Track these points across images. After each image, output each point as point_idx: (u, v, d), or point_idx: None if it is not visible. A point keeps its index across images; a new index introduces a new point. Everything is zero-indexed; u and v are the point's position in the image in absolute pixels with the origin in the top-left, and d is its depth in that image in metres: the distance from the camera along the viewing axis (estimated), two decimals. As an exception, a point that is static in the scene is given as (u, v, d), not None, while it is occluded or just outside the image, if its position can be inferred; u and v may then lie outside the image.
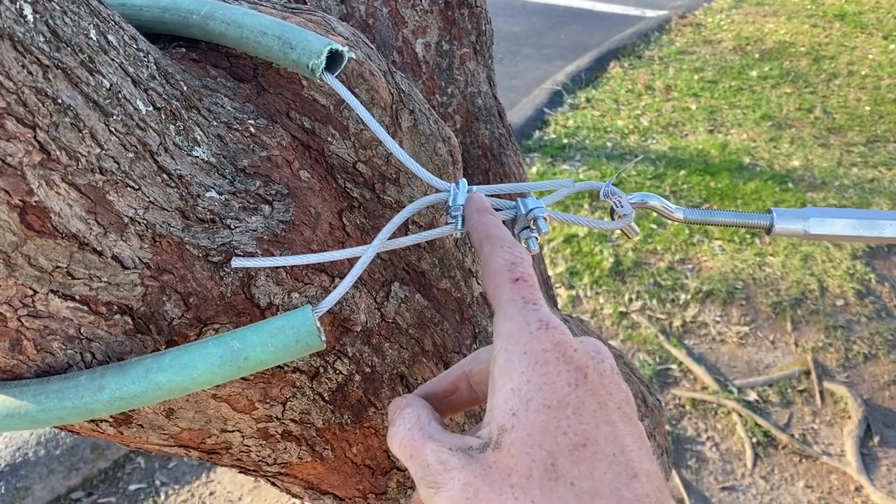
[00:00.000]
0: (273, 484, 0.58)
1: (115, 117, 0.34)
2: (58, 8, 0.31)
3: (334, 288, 0.43)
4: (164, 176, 0.37)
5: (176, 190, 0.37)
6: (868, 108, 3.71)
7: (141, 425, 0.43)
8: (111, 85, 0.34)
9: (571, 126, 3.59)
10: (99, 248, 0.35)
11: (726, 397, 2.09)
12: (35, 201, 0.31)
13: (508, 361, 0.31)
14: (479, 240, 0.38)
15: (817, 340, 2.30)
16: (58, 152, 0.31)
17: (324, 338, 0.38)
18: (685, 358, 2.23)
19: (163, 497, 1.85)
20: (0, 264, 0.32)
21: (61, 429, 0.43)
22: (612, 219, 0.47)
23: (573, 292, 2.49)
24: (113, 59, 0.35)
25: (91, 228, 0.34)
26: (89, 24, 0.34)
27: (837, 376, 2.18)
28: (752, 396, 2.11)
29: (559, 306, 1.71)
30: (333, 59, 0.41)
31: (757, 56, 4.35)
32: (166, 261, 0.38)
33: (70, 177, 0.32)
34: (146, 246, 0.37)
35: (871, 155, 3.31)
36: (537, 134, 3.53)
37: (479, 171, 0.88)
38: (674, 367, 2.22)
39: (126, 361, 0.37)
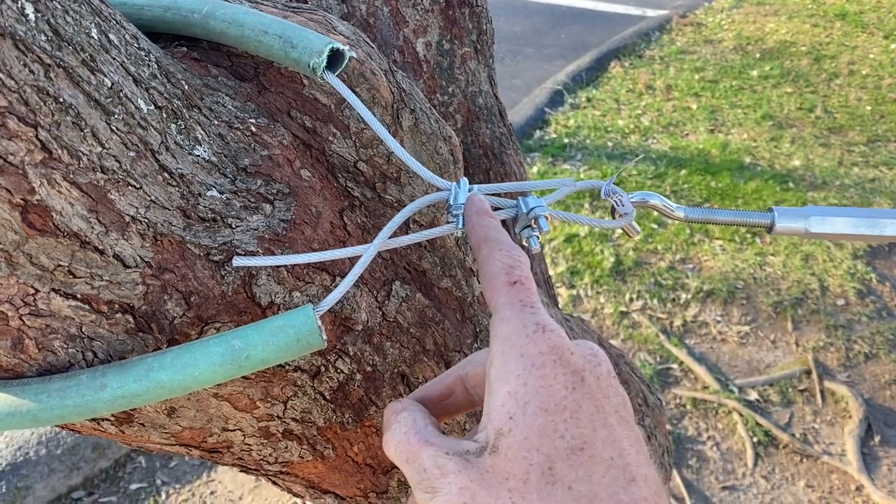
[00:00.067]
0: (274, 483, 0.58)
1: (116, 116, 0.34)
2: (59, 7, 0.31)
3: (335, 287, 0.43)
4: (166, 175, 0.37)
5: (177, 189, 0.38)
6: (869, 108, 3.70)
7: (142, 424, 0.43)
8: (112, 84, 0.34)
9: (572, 126, 3.59)
10: (100, 247, 0.35)
11: (727, 397, 2.09)
12: (37, 200, 0.31)
13: (505, 364, 0.31)
14: (478, 242, 0.37)
15: (818, 340, 2.30)
16: (59, 151, 0.31)
17: (325, 336, 0.38)
18: (686, 357, 2.23)
19: (164, 496, 1.85)
20: (2, 263, 0.32)
21: (63, 427, 0.43)
22: (614, 218, 0.47)
23: (574, 292, 2.49)
24: (114, 58, 0.35)
25: (92, 227, 0.34)
26: (91, 23, 0.34)
27: (838, 376, 2.18)
28: (753, 396, 2.11)
29: (560, 306, 1.70)
30: (334, 58, 0.41)
31: (758, 56, 4.35)
32: (168, 260, 0.38)
33: (71, 176, 0.32)
34: (147, 245, 0.37)
35: (871, 154, 3.31)
36: (538, 133, 3.53)
37: (480, 171, 0.89)
38: (674, 366, 2.22)
39: (127, 360, 0.37)
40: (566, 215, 0.45)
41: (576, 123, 3.61)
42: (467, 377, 0.38)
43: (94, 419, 0.42)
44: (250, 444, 0.49)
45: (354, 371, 0.49)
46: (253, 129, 0.43)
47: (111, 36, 0.35)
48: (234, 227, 0.40)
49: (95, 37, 0.34)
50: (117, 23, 0.37)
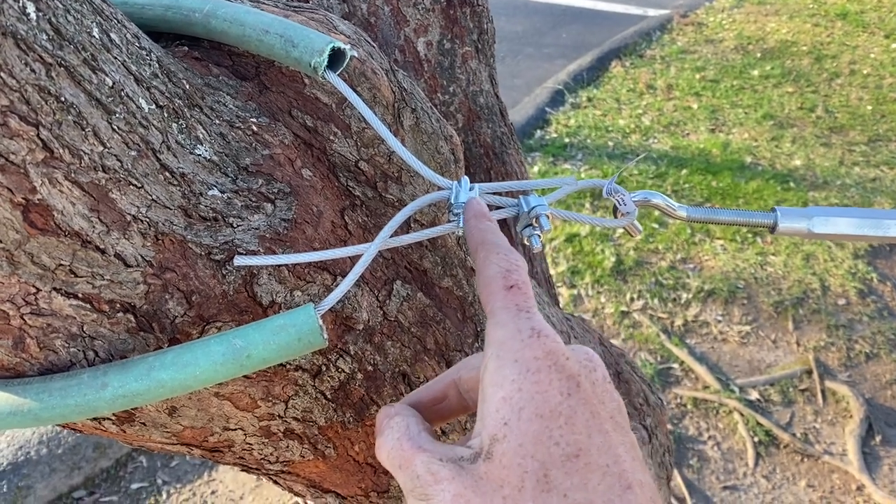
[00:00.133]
0: (275, 482, 0.58)
1: (117, 115, 0.34)
2: (60, 6, 0.31)
3: (336, 286, 0.43)
4: (167, 174, 0.37)
5: (178, 188, 0.38)
6: (870, 108, 3.70)
7: (143, 423, 0.43)
8: (114, 83, 0.34)
9: (573, 125, 3.59)
10: (101, 246, 0.35)
11: (728, 396, 2.09)
12: (38, 199, 0.31)
13: (499, 369, 0.31)
14: (475, 245, 0.37)
15: (819, 340, 2.29)
16: (61, 150, 0.31)
17: (326, 336, 0.38)
18: (687, 357, 2.22)
19: (164, 496, 1.85)
20: (3, 262, 0.32)
21: (64, 427, 0.43)
22: (615, 217, 0.47)
23: (575, 291, 2.49)
24: (115, 58, 0.35)
25: (94, 226, 0.34)
26: (92, 23, 0.34)
27: (839, 375, 2.18)
28: (754, 396, 2.11)
29: (561, 305, 1.70)
30: (335, 58, 0.41)
31: (759, 55, 4.35)
32: (169, 259, 0.38)
33: (73, 175, 0.32)
34: (149, 244, 0.37)
35: (872, 154, 3.31)
36: (539, 133, 3.53)
37: (480, 170, 0.88)
38: (675, 366, 2.22)
39: (129, 359, 0.37)
40: (567, 214, 0.45)
41: (577, 123, 3.61)
42: (461, 381, 0.38)
43: (95, 418, 0.42)
44: (251, 444, 0.49)
45: (355, 370, 0.49)
46: (254, 128, 0.43)
47: (112, 35, 0.35)
48: (235, 226, 0.40)
49: (97, 36, 0.34)
50: (118, 22, 0.37)
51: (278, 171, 0.43)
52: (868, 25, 4.68)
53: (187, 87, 0.40)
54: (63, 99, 0.31)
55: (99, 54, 0.33)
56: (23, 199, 0.31)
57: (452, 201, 0.42)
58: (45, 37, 0.30)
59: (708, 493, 1.87)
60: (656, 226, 2.79)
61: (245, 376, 0.43)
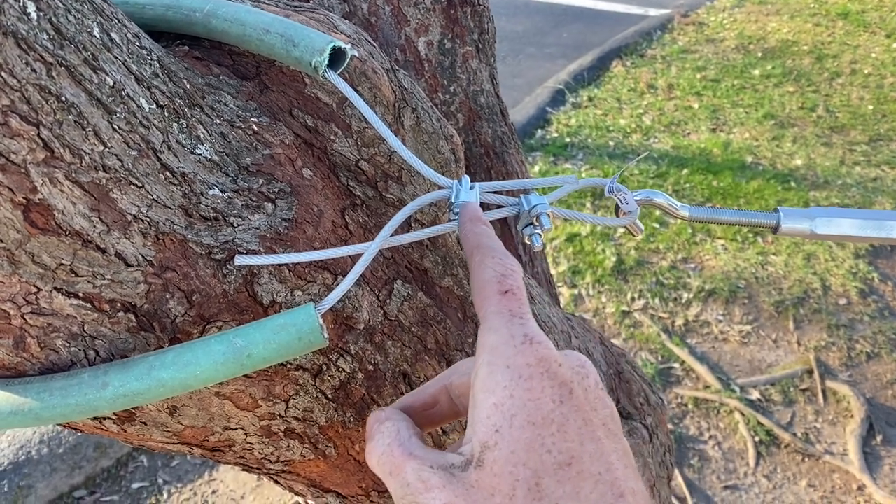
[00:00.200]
0: (276, 482, 0.58)
1: (118, 115, 0.34)
2: (61, 6, 0.31)
3: (337, 286, 0.43)
4: (168, 174, 0.37)
5: (179, 188, 0.38)
6: (871, 107, 3.70)
7: (144, 423, 0.43)
8: (114, 83, 0.34)
9: (574, 125, 3.59)
10: (102, 246, 0.35)
11: (729, 396, 2.09)
12: (39, 199, 0.31)
13: (491, 375, 0.30)
14: (471, 249, 0.37)
15: (820, 339, 2.29)
16: (61, 150, 0.31)
17: (326, 335, 0.38)
18: (687, 357, 2.22)
19: (165, 495, 1.85)
20: (4, 262, 0.32)
21: (65, 426, 0.43)
22: (617, 216, 0.47)
23: (576, 291, 2.49)
24: (116, 57, 0.35)
25: (94, 226, 0.34)
26: (92, 22, 0.34)
27: (840, 375, 2.17)
28: (755, 395, 2.11)
29: (562, 305, 1.70)
30: (336, 57, 0.41)
31: (759, 55, 4.35)
32: (169, 258, 0.38)
33: (73, 174, 0.32)
34: (149, 243, 0.37)
35: (873, 154, 3.31)
36: (540, 133, 3.53)
37: (481, 170, 0.88)
38: (676, 365, 2.22)
39: (129, 359, 0.37)
40: (569, 213, 0.45)
41: (577, 122, 3.61)
42: (452, 387, 0.37)
43: (96, 418, 0.42)
44: (252, 443, 0.49)
45: (356, 370, 0.49)
46: (255, 127, 0.43)
47: (113, 35, 0.35)
48: (235, 225, 0.40)
49: (97, 35, 0.34)
50: (119, 21, 0.37)
51: (279, 171, 0.43)
52: (869, 25, 4.68)
53: (188, 86, 0.40)
54: (64, 98, 0.31)
55: (99, 54, 0.33)
56: (24, 198, 0.31)
57: (453, 200, 0.42)
58: (45, 36, 0.30)
59: (709, 492, 1.87)
60: (657, 225, 2.79)
61: (246, 376, 0.43)
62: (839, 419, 2.05)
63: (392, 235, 0.41)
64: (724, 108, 3.74)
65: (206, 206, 0.39)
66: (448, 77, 0.82)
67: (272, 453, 0.51)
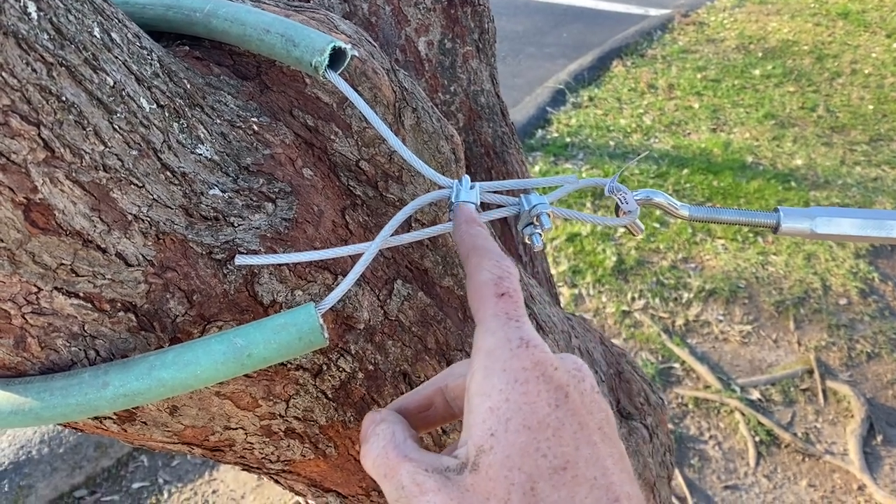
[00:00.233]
0: (276, 481, 0.58)
1: (118, 115, 0.34)
2: (62, 5, 0.31)
3: (337, 285, 0.43)
4: (168, 173, 0.37)
5: (179, 187, 0.38)
6: (871, 107, 3.70)
7: (144, 422, 0.43)
8: (115, 82, 0.34)
9: (574, 125, 3.59)
10: (103, 246, 0.35)
11: (729, 396, 2.09)
12: (39, 199, 0.31)
13: (487, 378, 0.30)
14: (467, 251, 0.37)
15: (820, 339, 2.29)
16: (62, 150, 0.31)
17: (327, 335, 0.38)
18: (688, 357, 2.22)
19: (166, 495, 1.85)
20: (4, 261, 0.32)
21: (65, 426, 0.43)
22: (617, 215, 0.47)
23: (576, 291, 2.49)
24: (117, 57, 0.35)
25: (95, 226, 0.34)
26: (93, 22, 0.34)
27: (840, 375, 2.17)
28: (755, 395, 2.11)
29: (562, 305, 1.70)
30: (336, 57, 0.41)
31: (760, 55, 4.35)
32: (170, 258, 0.38)
33: (74, 174, 0.32)
34: (150, 243, 0.37)
35: (874, 154, 3.31)
36: (540, 133, 3.53)
37: (481, 170, 0.88)
38: (676, 365, 2.22)
39: (130, 358, 0.37)
40: (569, 212, 0.45)
41: (578, 122, 3.61)
42: (447, 389, 0.37)
43: (96, 417, 0.42)
44: (252, 443, 0.49)
45: (356, 370, 0.49)
46: (255, 127, 0.43)
47: (113, 35, 0.35)
48: (236, 225, 0.40)
49: (98, 35, 0.34)
50: (119, 21, 0.37)
51: (279, 171, 0.43)
52: (870, 25, 4.68)
53: (188, 86, 0.40)
54: (64, 98, 0.31)
55: (100, 54, 0.33)
56: (24, 198, 0.31)
57: (453, 200, 0.42)
58: (46, 36, 0.30)
59: (709, 492, 1.87)
60: (657, 225, 2.79)
61: (246, 375, 0.43)
62: (839, 419, 2.05)
63: (392, 235, 0.41)
64: (724, 107, 3.74)
65: (207, 205, 0.39)
66: (448, 77, 0.82)
67: (272, 453, 0.51)
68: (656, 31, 4.69)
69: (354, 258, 0.41)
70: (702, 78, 4.05)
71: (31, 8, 0.29)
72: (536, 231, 0.43)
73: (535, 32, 4.75)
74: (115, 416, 0.42)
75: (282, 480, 0.58)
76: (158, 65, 0.38)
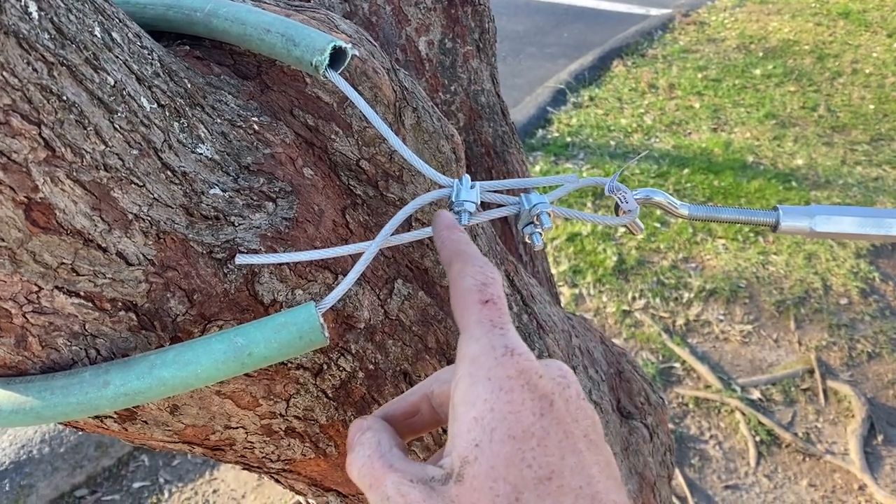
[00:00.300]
0: (277, 481, 0.58)
1: (119, 114, 0.34)
2: (62, 5, 0.31)
3: (338, 285, 0.43)
4: (169, 173, 0.37)
5: (180, 187, 0.38)
6: (872, 107, 3.70)
7: (145, 422, 0.43)
8: (115, 82, 0.34)
9: (575, 124, 3.59)
10: (103, 245, 0.35)
11: (729, 396, 2.09)
12: (40, 198, 0.31)
13: (472, 387, 0.30)
14: (449, 256, 0.36)
15: (821, 339, 2.29)
16: (63, 149, 0.31)
17: (327, 334, 0.38)
18: (688, 356, 2.22)
19: (166, 495, 1.86)
20: (5, 260, 0.32)
21: (66, 425, 0.43)
22: (617, 215, 0.47)
23: (576, 290, 2.49)
24: (117, 57, 0.35)
25: (96, 225, 0.34)
26: (94, 22, 0.34)
27: (841, 375, 2.17)
28: (756, 395, 2.11)
29: (562, 304, 1.70)
30: (337, 57, 0.41)
31: (761, 54, 4.34)
32: (170, 257, 0.38)
33: (75, 173, 0.32)
34: (150, 243, 0.37)
35: (874, 153, 3.30)
36: (540, 132, 3.53)
37: (482, 169, 0.89)
38: (677, 365, 2.22)
39: (130, 358, 0.37)
40: (569, 212, 0.45)
41: (578, 122, 3.60)
42: (433, 395, 0.37)
43: (97, 417, 0.42)
44: (253, 442, 0.49)
45: (357, 369, 0.49)
46: (255, 127, 0.43)
47: (114, 34, 0.35)
48: (236, 225, 0.40)
49: (98, 35, 0.34)
50: (120, 21, 0.37)
51: (280, 170, 0.43)
52: (870, 25, 4.67)
53: (189, 86, 0.40)
54: (65, 98, 0.31)
55: (100, 53, 0.33)
56: (25, 197, 0.31)
57: (453, 199, 0.42)
58: (46, 36, 0.30)
59: (709, 492, 1.87)
60: (658, 225, 2.79)
61: (246, 375, 0.43)
62: (840, 419, 2.05)
63: (393, 234, 0.41)
64: (725, 107, 3.74)
65: (207, 205, 0.39)
66: (449, 76, 0.82)
67: (273, 452, 0.51)
68: (657, 31, 4.69)
69: (355, 257, 0.41)
70: (702, 78, 4.05)
71: (32, 7, 0.29)
72: (537, 230, 0.43)
73: (536, 32, 4.75)
74: (115, 415, 0.42)
75: (282, 480, 0.58)
76: (159, 64, 0.38)
